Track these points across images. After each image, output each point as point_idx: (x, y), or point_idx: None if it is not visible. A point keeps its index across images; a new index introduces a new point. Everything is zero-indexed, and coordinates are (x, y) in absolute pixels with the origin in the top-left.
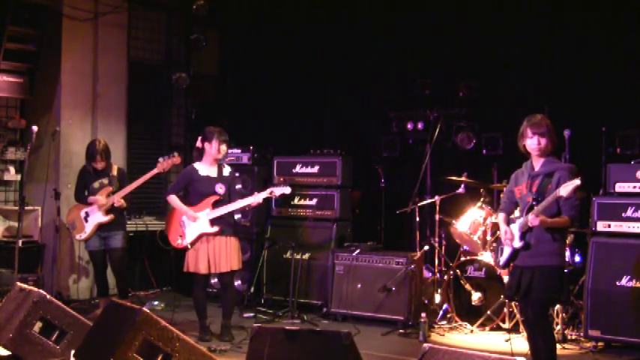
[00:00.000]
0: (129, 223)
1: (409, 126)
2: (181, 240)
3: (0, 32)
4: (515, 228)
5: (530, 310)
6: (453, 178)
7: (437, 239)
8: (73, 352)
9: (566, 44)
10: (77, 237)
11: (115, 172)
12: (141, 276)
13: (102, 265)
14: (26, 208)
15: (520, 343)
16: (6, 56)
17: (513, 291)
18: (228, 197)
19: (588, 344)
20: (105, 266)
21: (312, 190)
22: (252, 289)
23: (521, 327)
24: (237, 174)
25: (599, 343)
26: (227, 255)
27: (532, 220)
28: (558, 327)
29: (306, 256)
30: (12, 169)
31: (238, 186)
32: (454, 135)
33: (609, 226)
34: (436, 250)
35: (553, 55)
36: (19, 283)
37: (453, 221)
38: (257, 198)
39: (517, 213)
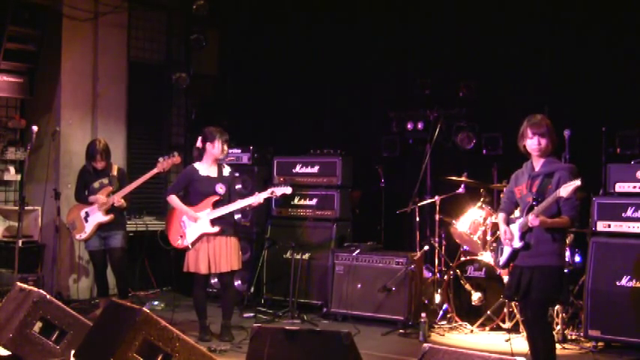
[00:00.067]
0: (129, 223)
1: (409, 126)
2: (182, 240)
3: (0, 32)
4: (515, 228)
5: (529, 310)
6: (453, 178)
7: (437, 239)
8: (73, 352)
9: (566, 44)
10: (77, 237)
11: (115, 172)
12: (141, 276)
13: (102, 265)
14: (26, 208)
15: (520, 343)
16: (6, 56)
17: (513, 291)
18: (228, 197)
19: (588, 344)
20: (105, 266)
21: (312, 190)
22: (252, 289)
23: (521, 327)
24: (236, 174)
25: (599, 343)
26: (227, 255)
27: (532, 220)
28: (558, 327)
29: (306, 256)
30: (12, 169)
31: (238, 186)
32: (454, 135)
33: (609, 226)
34: (436, 250)
35: (553, 55)
36: (19, 283)
37: (453, 221)
38: (258, 198)
39: (517, 213)
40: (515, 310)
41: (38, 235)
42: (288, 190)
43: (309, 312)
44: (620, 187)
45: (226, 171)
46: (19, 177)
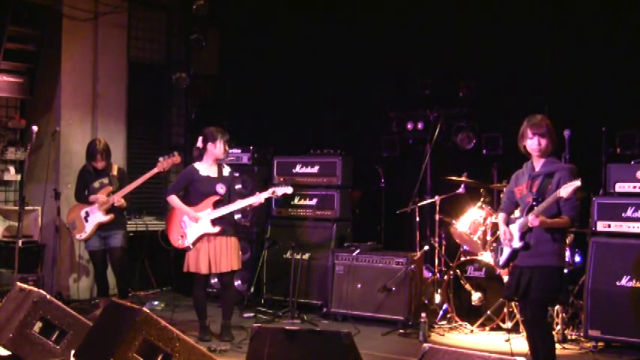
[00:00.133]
0: (129, 223)
1: (409, 126)
2: (182, 240)
3: (0, 32)
4: (515, 228)
5: (529, 310)
6: (453, 178)
7: (437, 239)
8: (73, 352)
9: (566, 44)
10: (77, 237)
11: (115, 172)
12: (141, 276)
13: (102, 265)
14: (26, 208)
15: (520, 343)
16: (6, 56)
17: (512, 291)
18: (228, 197)
19: (588, 344)
20: (105, 266)
21: (312, 190)
22: (252, 289)
23: (521, 327)
24: (236, 174)
25: (599, 343)
26: (227, 255)
27: (532, 220)
28: (558, 327)
29: (306, 256)
30: (12, 169)
31: (238, 186)
32: (454, 135)
33: (609, 226)
34: (436, 250)
35: (553, 55)
36: (19, 283)
37: (453, 221)
38: (259, 198)
39: (517, 213)
40: (515, 310)
41: (38, 235)
42: (289, 189)
43: (309, 312)
44: (620, 187)
45: (226, 171)
46: (19, 177)
